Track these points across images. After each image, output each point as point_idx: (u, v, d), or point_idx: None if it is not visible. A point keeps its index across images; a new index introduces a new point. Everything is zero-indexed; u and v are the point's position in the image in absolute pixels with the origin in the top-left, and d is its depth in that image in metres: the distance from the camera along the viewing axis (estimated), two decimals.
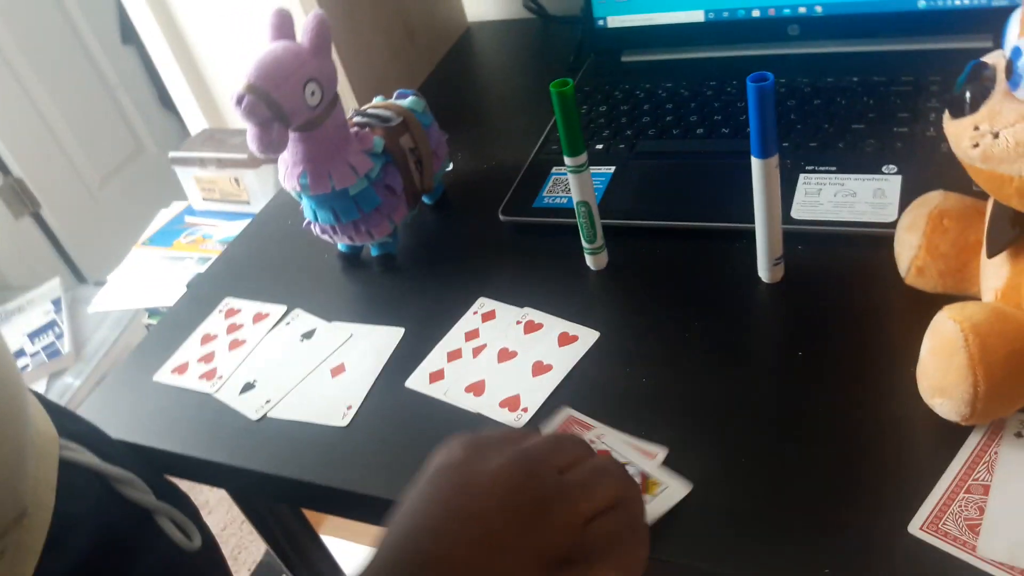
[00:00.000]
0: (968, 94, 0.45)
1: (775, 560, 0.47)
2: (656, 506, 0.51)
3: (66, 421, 0.59)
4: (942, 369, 0.48)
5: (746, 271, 0.65)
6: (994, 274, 0.50)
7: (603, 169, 0.77)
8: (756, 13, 0.85)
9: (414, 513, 0.44)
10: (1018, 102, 0.43)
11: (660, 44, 0.91)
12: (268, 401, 0.68)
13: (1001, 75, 0.44)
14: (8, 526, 0.46)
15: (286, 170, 0.70)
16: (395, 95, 0.79)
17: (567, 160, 0.63)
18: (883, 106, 0.74)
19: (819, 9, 0.83)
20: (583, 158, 0.63)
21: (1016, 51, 0.43)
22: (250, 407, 0.67)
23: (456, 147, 0.89)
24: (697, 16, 0.87)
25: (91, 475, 0.55)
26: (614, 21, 0.92)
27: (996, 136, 0.44)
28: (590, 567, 0.42)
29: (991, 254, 0.49)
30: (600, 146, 0.81)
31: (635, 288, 0.68)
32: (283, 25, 0.67)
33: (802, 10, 0.83)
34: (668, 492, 0.51)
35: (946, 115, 0.47)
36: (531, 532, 0.42)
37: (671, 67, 0.89)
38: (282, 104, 0.64)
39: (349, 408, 0.65)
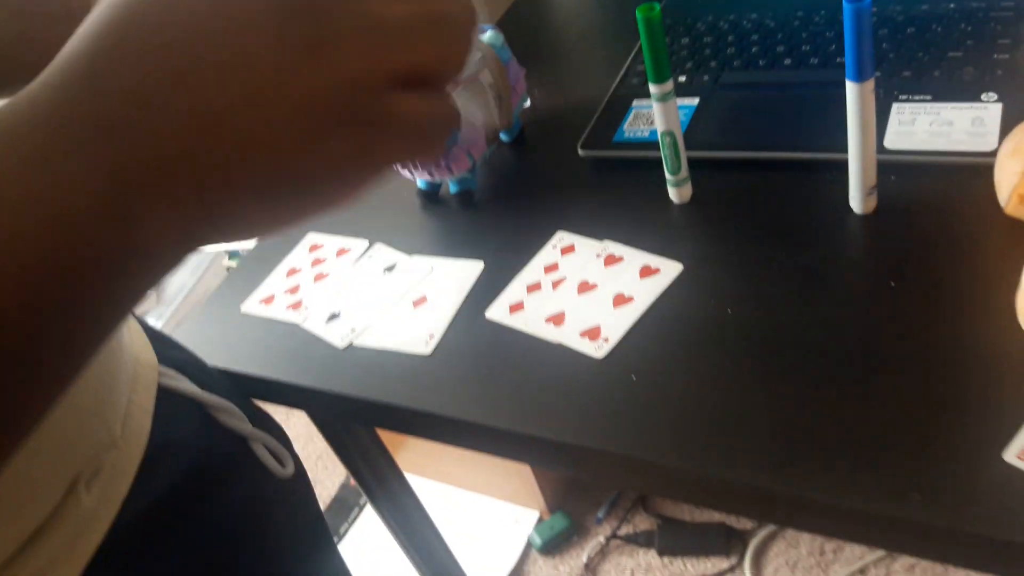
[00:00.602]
0: None
1: (865, 480, 0.47)
2: None
3: (167, 348, 0.61)
4: None
5: (837, 202, 0.63)
6: None
7: (687, 101, 0.76)
8: None
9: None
10: None
11: None
12: (353, 330, 0.69)
13: None
14: (99, 451, 0.48)
15: None
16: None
17: (652, 87, 0.62)
18: (982, 32, 0.71)
19: None
20: (669, 85, 0.61)
21: None
22: (336, 335, 0.69)
23: (534, 82, 0.89)
24: None
25: (190, 402, 0.57)
26: None
27: None
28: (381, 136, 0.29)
29: None
30: (683, 78, 0.79)
31: (720, 221, 0.67)
32: None
33: None
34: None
35: None
36: (297, 72, 0.27)
37: None
38: None
39: (432, 337, 0.66)
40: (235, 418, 0.59)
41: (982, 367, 0.50)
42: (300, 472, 0.65)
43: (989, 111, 0.63)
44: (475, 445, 0.62)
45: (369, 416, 0.66)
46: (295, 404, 0.70)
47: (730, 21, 0.83)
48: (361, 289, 0.73)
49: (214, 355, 0.69)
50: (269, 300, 0.75)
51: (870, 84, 0.54)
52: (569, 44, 0.95)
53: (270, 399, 0.69)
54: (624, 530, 1.49)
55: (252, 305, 0.75)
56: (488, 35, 0.77)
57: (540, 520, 1.54)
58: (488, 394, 0.60)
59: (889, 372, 0.52)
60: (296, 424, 1.17)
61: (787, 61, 0.76)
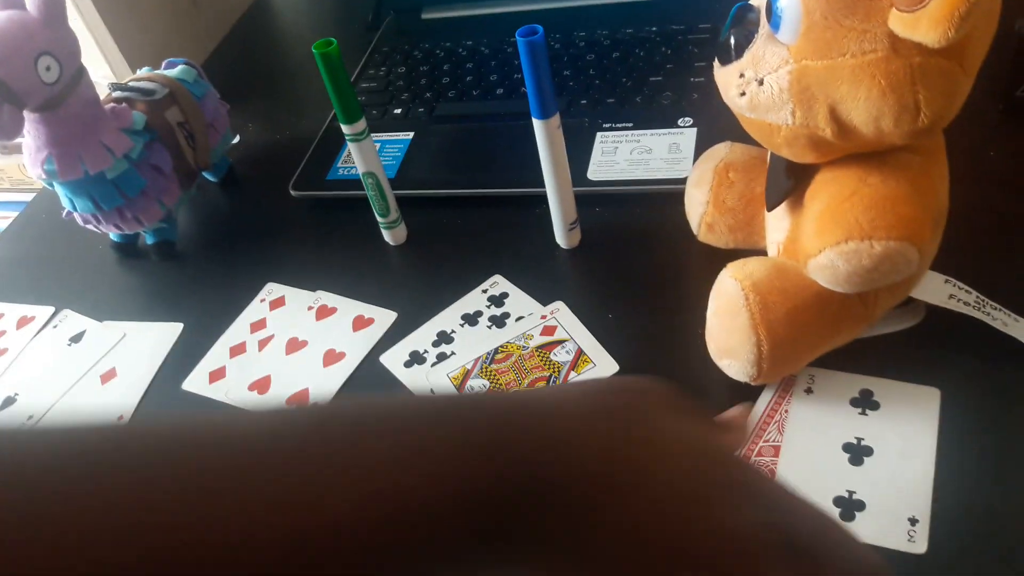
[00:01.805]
0: (733, 39, 0.43)
1: None
2: None
3: None
4: (726, 330, 0.46)
5: (547, 237, 0.62)
6: (776, 227, 0.49)
7: (402, 135, 0.72)
8: None
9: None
10: (780, 46, 0.41)
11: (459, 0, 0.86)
12: (31, 417, 0.60)
13: (764, 18, 0.42)
14: None
15: (30, 156, 0.61)
16: (163, 65, 0.71)
17: (344, 128, 0.57)
18: (680, 56, 0.72)
19: None
20: (361, 124, 0.57)
21: None
22: (12, 424, 0.59)
23: (248, 118, 0.82)
24: None
25: None
26: None
27: (761, 83, 0.41)
28: None
29: (770, 207, 0.47)
30: (399, 110, 0.75)
31: (436, 262, 0.63)
32: None
33: None
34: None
35: (715, 63, 0.45)
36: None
37: (473, 24, 0.84)
38: (9, 83, 0.56)
39: (120, 418, 0.58)
40: None
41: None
42: None
43: (685, 136, 0.64)
44: None
45: None
46: None
47: (446, 48, 0.81)
48: (43, 366, 0.64)
49: None
50: None
51: (555, 120, 0.53)
52: (286, 77, 0.89)
53: None
54: None
55: None
56: (177, 70, 0.70)
57: None
58: None
59: None
60: None
61: (499, 91, 0.74)
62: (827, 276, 0.42)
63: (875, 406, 0.47)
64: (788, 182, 0.45)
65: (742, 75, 0.42)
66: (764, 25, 0.41)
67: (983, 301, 0.49)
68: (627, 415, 0.29)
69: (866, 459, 0.45)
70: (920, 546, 0.41)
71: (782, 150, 0.44)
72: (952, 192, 0.46)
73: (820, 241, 0.41)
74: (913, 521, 0.42)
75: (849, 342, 0.48)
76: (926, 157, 0.43)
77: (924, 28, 0.35)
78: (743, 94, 0.43)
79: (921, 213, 0.41)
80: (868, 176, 0.41)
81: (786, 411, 0.48)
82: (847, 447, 0.45)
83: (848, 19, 0.38)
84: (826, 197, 0.42)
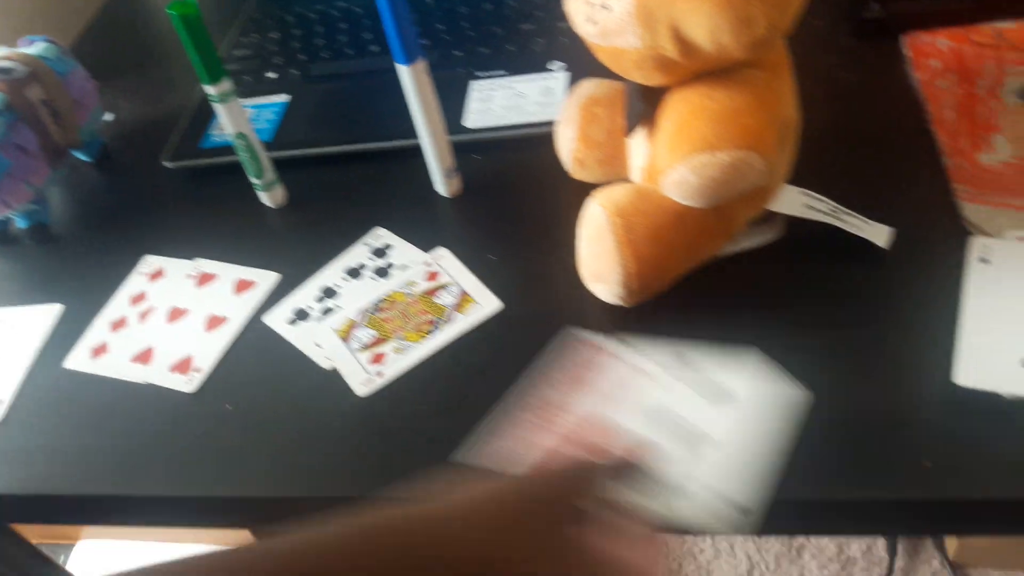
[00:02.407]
0: None
1: None
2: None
3: None
4: (595, 255, 0.47)
5: (426, 188, 0.62)
6: (638, 153, 0.50)
7: (277, 98, 0.71)
8: None
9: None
10: None
11: None
12: None
13: None
14: None
15: None
16: (19, 42, 0.68)
17: (208, 89, 0.56)
18: (549, 2, 0.73)
19: None
20: (226, 84, 0.56)
21: None
22: None
23: (121, 96, 0.80)
24: None
25: None
26: None
27: (607, 8, 0.43)
28: None
29: (628, 132, 0.49)
30: (273, 74, 0.74)
31: (317, 220, 0.63)
32: None
33: None
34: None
35: None
36: None
37: None
38: None
39: (0, 402, 0.56)
40: None
41: (564, 326, 0.51)
42: None
43: (557, 80, 0.65)
44: (69, 520, 0.55)
45: None
46: None
47: (317, 10, 0.80)
48: None
49: None
50: None
51: (420, 65, 0.53)
52: (162, 50, 0.86)
53: None
54: None
55: None
56: (37, 47, 0.67)
57: None
58: (70, 457, 0.52)
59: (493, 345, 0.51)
60: None
61: (374, 48, 0.74)
62: (680, 191, 0.43)
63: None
64: (642, 106, 0.47)
65: (590, 3, 0.43)
66: None
67: (837, 208, 0.51)
68: (536, 533, 0.34)
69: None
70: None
71: (632, 74, 0.45)
72: (807, 112, 0.49)
73: (671, 158, 0.42)
74: None
75: (712, 258, 0.50)
76: (770, 72, 0.45)
77: None
78: (592, 21, 0.44)
79: (765, 124, 0.43)
80: (713, 92, 0.43)
81: None
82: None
83: None
84: (675, 116, 0.43)
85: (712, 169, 0.41)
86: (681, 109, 0.43)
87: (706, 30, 0.41)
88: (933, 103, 0.58)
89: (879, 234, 0.50)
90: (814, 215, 0.50)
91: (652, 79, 0.45)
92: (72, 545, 1.38)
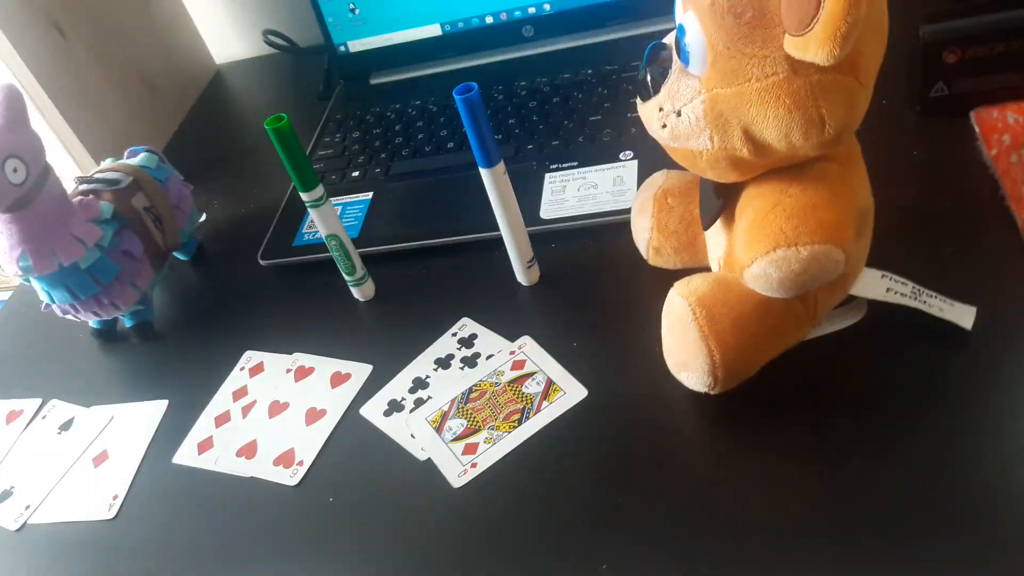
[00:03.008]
0: (650, 76, 0.46)
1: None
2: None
3: None
4: (679, 344, 0.49)
5: (507, 278, 0.64)
6: (716, 244, 0.52)
7: (361, 196, 0.75)
8: (490, 20, 0.86)
9: None
10: (692, 78, 0.44)
11: (404, 62, 0.90)
12: (28, 507, 0.61)
13: (675, 54, 0.45)
14: None
15: (4, 255, 0.64)
16: (126, 154, 0.74)
17: (303, 196, 0.60)
18: (616, 95, 0.76)
19: (548, 7, 0.84)
20: (319, 191, 0.60)
21: (680, 29, 0.44)
22: (9, 517, 0.61)
23: (213, 196, 0.85)
24: (434, 31, 0.87)
25: None
26: (355, 45, 0.90)
27: (679, 114, 0.45)
28: None
29: (705, 226, 0.50)
30: (356, 173, 0.79)
31: (405, 313, 0.66)
32: None
33: (532, 10, 0.84)
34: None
35: (638, 100, 0.48)
36: None
37: (418, 84, 0.88)
38: None
39: (116, 497, 0.59)
40: None
41: (651, 414, 0.53)
42: None
43: (627, 169, 0.68)
44: None
45: None
46: None
47: (395, 109, 0.84)
48: (35, 456, 0.65)
49: None
50: None
51: (500, 168, 0.56)
52: (247, 153, 0.92)
53: None
54: None
55: None
56: (140, 157, 0.73)
57: None
58: (182, 551, 0.55)
59: (580, 437, 0.53)
60: None
61: (450, 144, 0.77)
62: (762, 284, 0.44)
63: None
64: (718, 202, 0.48)
65: (661, 108, 0.46)
66: (676, 61, 0.45)
67: (919, 291, 0.52)
68: None
69: None
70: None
71: (707, 173, 0.47)
72: (883, 193, 0.50)
73: (751, 252, 0.44)
74: None
75: (798, 343, 0.51)
76: (842, 164, 0.47)
77: (813, 49, 0.38)
78: (664, 126, 0.46)
79: (842, 216, 0.44)
80: (788, 188, 0.45)
81: None
82: None
83: (748, 47, 0.41)
84: (752, 211, 0.45)
85: (792, 263, 0.43)
86: (758, 205, 0.45)
87: (777, 132, 0.43)
88: (1006, 178, 0.58)
89: (963, 315, 0.50)
90: (896, 298, 0.51)
91: (726, 177, 0.47)
92: None
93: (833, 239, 0.43)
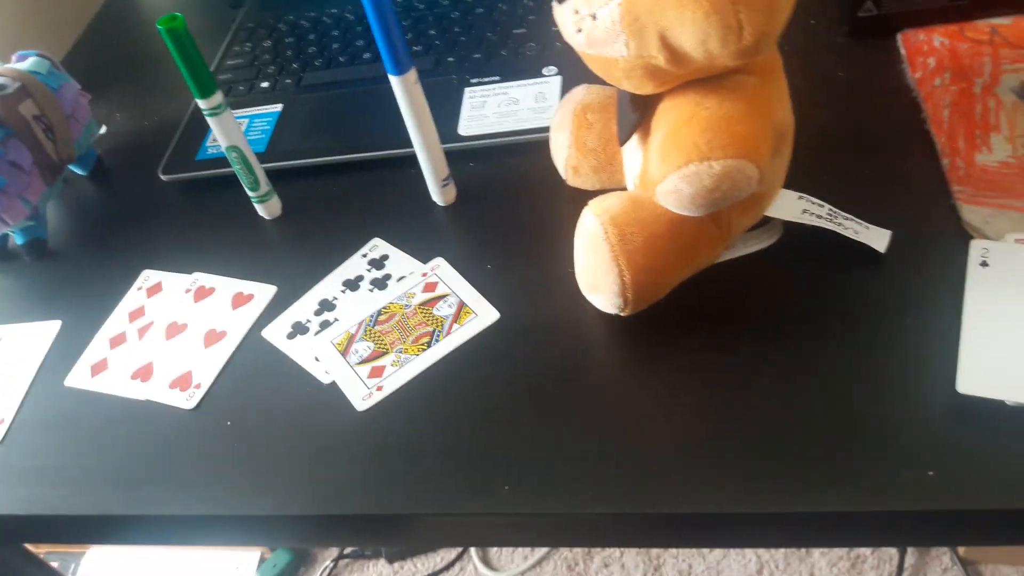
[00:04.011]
0: None
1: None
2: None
3: None
4: (591, 265, 0.47)
5: (421, 197, 0.62)
6: (632, 161, 0.50)
7: (271, 108, 0.71)
8: None
9: None
10: None
11: None
12: None
13: None
14: None
15: None
16: (13, 58, 0.68)
17: (200, 103, 0.56)
18: (540, 6, 0.73)
19: None
20: (218, 98, 0.56)
21: None
22: None
23: (115, 108, 0.80)
24: None
25: None
26: None
27: (595, 18, 0.42)
28: None
29: (621, 141, 0.48)
30: (266, 84, 0.74)
31: (313, 232, 0.63)
32: None
33: None
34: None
35: (554, 2, 0.45)
36: None
37: None
38: None
39: (2, 422, 0.56)
40: None
41: (563, 336, 0.51)
42: None
43: (550, 85, 0.65)
44: (71, 539, 0.54)
45: None
46: None
47: (311, 18, 0.80)
48: None
49: None
50: None
51: (412, 75, 0.53)
52: (155, 63, 0.86)
53: None
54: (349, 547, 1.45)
55: None
56: (29, 62, 0.67)
57: (262, 560, 1.45)
58: (72, 476, 0.52)
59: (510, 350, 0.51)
60: None
61: (367, 55, 0.73)
62: (674, 200, 0.43)
63: None
64: (634, 115, 0.46)
65: (577, 12, 0.43)
66: None
67: (835, 213, 0.51)
68: None
69: None
70: None
71: (623, 83, 0.44)
72: (805, 114, 0.48)
73: (663, 167, 0.42)
74: None
75: (710, 264, 0.49)
76: (761, 77, 0.45)
77: None
78: (580, 31, 0.43)
79: (758, 131, 0.42)
80: (704, 100, 0.43)
81: None
82: None
83: None
84: (666, 124, 0.43)
85: (704, 179, 0.41)
86: (672, 117, 0.43)
87: (694, 38, 0.40)
88: (930, 102, 0.57)
89: (877, 238, 0.50)
90: (811, 220, 0.50)
91: (642, 87, 0.44)
92: (82, 554, 1.39)
93: (747, 154, 0.41)
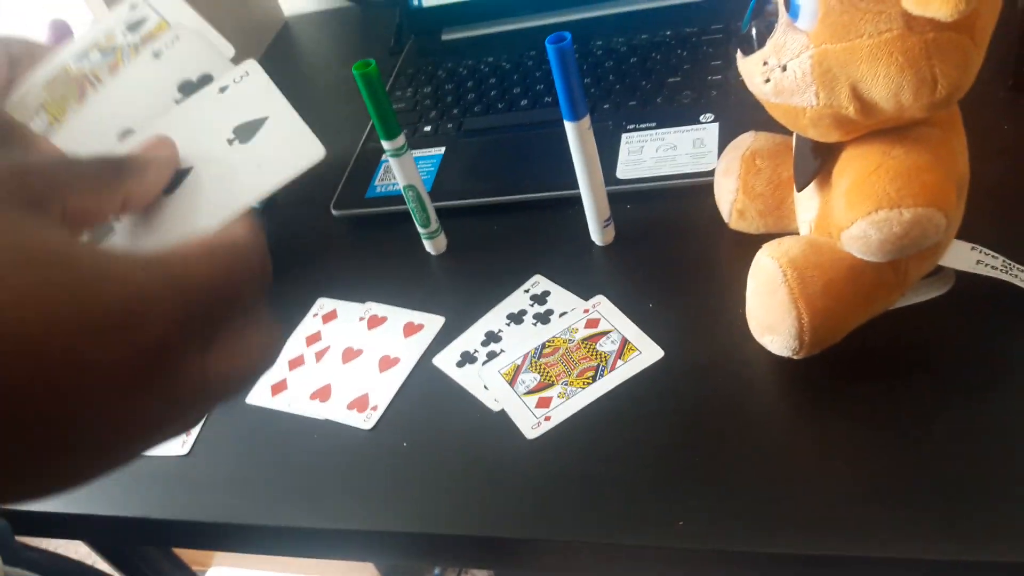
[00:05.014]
0: (755, 30, 0.45)
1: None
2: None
3: None
4: (766, 307, 0.48)
5: (581, 236, 0.64)
6: (807, 207, 0.51)
7: (433, 151, 0.75)
8: None
9: None
10: (800, 33, 0.43)
11: (478, 19, 0.89)
12: None
13: (782, 7, 0.44)
14: None
15: None
16: None
17: (385, 144, 0.60)
18: (696, 57, 0.75)
19: None
20: (401, 140, 0.60)
21: None
22: None
23: None
24: None
25: None
26: (429, 0, 0.90)
27: (784, 69, 0.44)
28: None
29: (799, 187, 0.50)
30: (428, 128, 0.78)
31: (476, 267, 0.66)
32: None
33: None
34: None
35: (738, 54, 0.47)
36: None
37: (492, 41, 0.88)
38: None
39: (187, 435, 0.61)
40: None
41: (730, 377, 0.52)
42: None
43: (708, 131, 0.67)
44: (251, 548, 0.58)
45: (135, 534, 0.60)
46: (62, 535, 0.63)
47: (468, 66, 0.84)
48: None
49: None
50: None
51: (586, 122, 0.55)
52: (316, 104, 0.92)
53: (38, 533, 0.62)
54: None
55: None
56: None
57: None
58: (254, 490, 0.56)
59: (663, 394, 0.53)
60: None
61: (523, 102, 0.77)
62: (860, 246, 0.44)
63: None
64: (815, 162, 0.48)
65: (765, 63, 0.45)
66: (783, 14, 0.44)
67: (1010, 264, 0.51)
68: None
69: None
70: None
71: (808, 131, 0.46)
72: (972, 166, 0.49)
73: (852, 213, 0.43)
74: None
75: (884, 311, 0.50)
76: (944, 129, 0.46)
77: (936, 4, 0.38)
78: (767, 81, 0.45)
79: (944, 180, 0.43)
80: (892, 149, 0.44)
81: None
82: None
83: (863, 2, 0.41)
84: (853, 172, 0.44)
85: (894, 225, 0.42)
86: (859, 166, 0.44)
87: (887, 90, 0.42)
88: None
89: None
90: (986, 271, 0.50)
91: (828, 136, 0.46)
92: (204, 571, 1.45)
93: (936, 202, 0.42)
